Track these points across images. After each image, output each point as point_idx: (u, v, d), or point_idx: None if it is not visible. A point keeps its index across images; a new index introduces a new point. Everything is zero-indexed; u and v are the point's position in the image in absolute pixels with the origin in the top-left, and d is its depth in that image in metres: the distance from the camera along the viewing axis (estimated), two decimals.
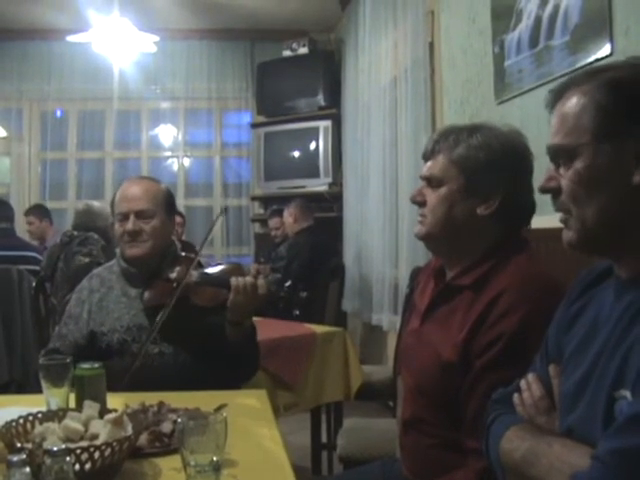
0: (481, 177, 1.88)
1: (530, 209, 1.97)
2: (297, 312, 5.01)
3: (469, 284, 1.87)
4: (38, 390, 2.10)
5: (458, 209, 1.91)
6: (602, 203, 1.31)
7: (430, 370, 1.89)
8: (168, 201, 2.87)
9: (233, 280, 2.52)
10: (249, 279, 2.52)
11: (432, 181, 1.95)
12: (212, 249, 7.73)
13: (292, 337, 3.89)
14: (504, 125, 1.99)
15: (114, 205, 2.84)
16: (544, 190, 1.42)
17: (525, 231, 1.99)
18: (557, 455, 1.30)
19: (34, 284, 5.02)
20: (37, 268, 5.46)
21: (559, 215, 1.40)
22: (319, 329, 4.09)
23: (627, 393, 1.19)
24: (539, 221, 2.03)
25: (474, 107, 4.04)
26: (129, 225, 2.73)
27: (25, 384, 5.25)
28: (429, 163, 1.97)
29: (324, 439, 4.25)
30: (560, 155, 1.37)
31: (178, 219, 6.37)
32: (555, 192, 1.39)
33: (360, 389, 3.99)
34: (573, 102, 1.36)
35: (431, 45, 4.74)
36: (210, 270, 2.75)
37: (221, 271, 2.71)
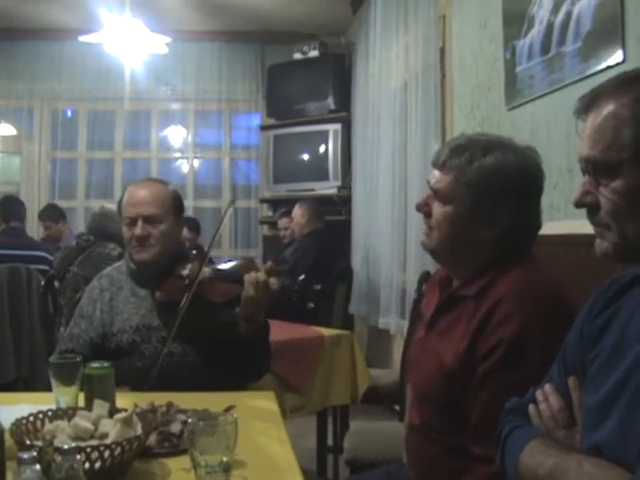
0: (489, 202, 1.87)
1: (536, 228, 1.97)
2: (311, 305, 5.01)
3: (473, 294, 1.87)
4: (45, 388, 2.11)
5: (463, 230, 1.90)
6: None
7: (434, 377, 1.90)
8: (176, 203, 2.86)
9: (246, 275, 2.52)
10: (261, 274, 2.51)
11: (439, 195, 1.93)
12: (220, 251, 7.74)
13: (300, 340, 3.90)
14: (520, 141, 1.98)
15: (122, 208, 2.83)
16: (579, 205, 1.40)
17: (527, 244, 1.98)
18: (589, 475, 1.26)
19: (43, 283, 5.04)
20: (46, 268, 5.47)
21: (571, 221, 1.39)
22: (327, 332, 4.09)
23: None
24: (544, 227, 2.01)
25: (484, 113, 4.04)
26: (137, 230, 2.72)
27: (32, 382, 5.28)
28: (438, 174, 1.94)
29: (330, 442, 4.26)
30: (599, 170, 1.35)
31: (189, 234, 6.41)
32: (591, 207, 1.38)
33: (367, 392, 3.99)
34: (610, 114, 1.33)
35: (442, 50, 4.74)
36: (222, 266, 2.75)
37: (233, 266, 2.71)
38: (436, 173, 1.95)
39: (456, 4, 4.52)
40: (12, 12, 7.26)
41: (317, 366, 3.80)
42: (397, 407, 4.62)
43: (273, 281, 2.51)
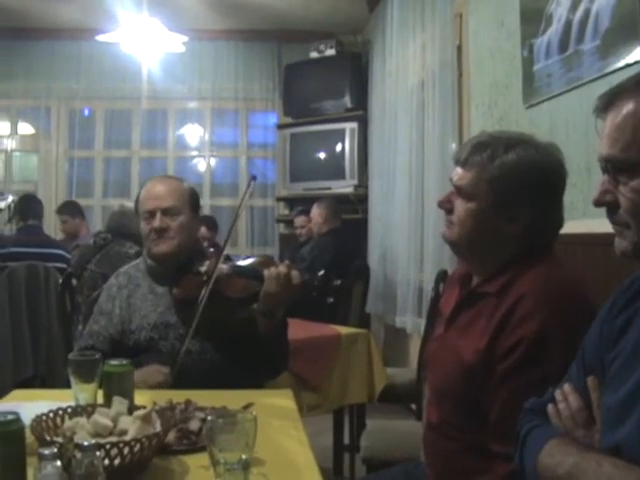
0: (511, 198, 1.87)
1: (558, 225, 1.97)
2: (331, 299, 5.01)
3: (493, 291, 1.87)
4: (62, 386, 2.12)
5: (485, 226, 1.90)
6: None
7: (453, 375, 1.90)
8: (193, 198, 2.89)
9: (266, 269, 2.53)
10: (282, 268, 2.53)
11: (462, 192, 1.94)
12: (237, 249, 7.75)
13: (317, 338, 3.89)
14: (541, 138, 1.98)
15: (139, 204, 2.87)
16: (599, 204, 1.39)
17: (549, 241, 1.98)
18: (608, 475, 1.26)
19: (61, 281, 5.06)
20: (64, 265, 5.50)
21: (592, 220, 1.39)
22: (344, 330, 4.09)
23: None
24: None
25: (502, 111, 4.03)
26: (156, 222, 2.76)
27: (49, 379, 5.30)
28: (461, 171, 1.95)
29: (346, 440, 4.26)
30: (618, 169, 1.34)
31: (207, 232, 6.42)
32: (610, 206, 1.37)
33: (383, 391, 3.99)
34: (629, 112, 1.32)
35: (459, 48, 4.73)
36: (240, 262, 2.76)
37: (252, 263, 2.72)
38: (458, 170, 1.96)
39: (473, 2, 4.51)
40: (30, 12, 7.30)
41: (334, 364, 3.79)
42: (414, 406, 4.62)
43: (294, 275, 2.52)
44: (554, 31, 3.32)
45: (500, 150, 1.89)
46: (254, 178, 2.95)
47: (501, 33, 4.02)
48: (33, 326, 5.50)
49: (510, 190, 1.87)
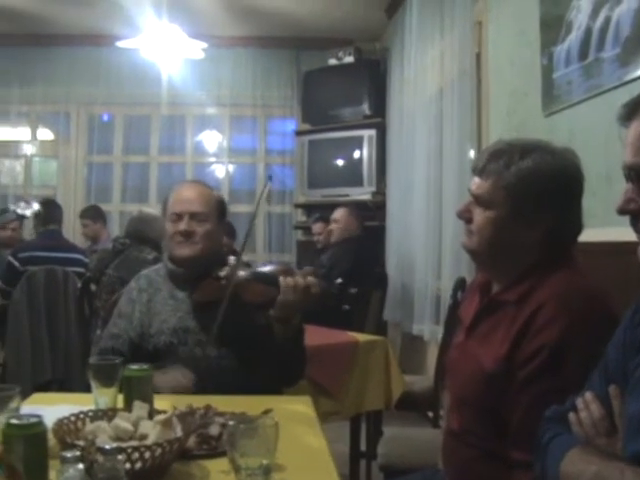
0: (529, 204, 1.87)
1: (577, 230, 1.96)
2: (347, 307, 5.02)
3: (513, 299, 1.87)
4: (79, 390, 2.12)
5: (505, 233, 1.90)
6: None
7: (473, 382, 1.90)
8: (221, 207, 2.92)
9: (282, 278, 2.54)
10: (299, 278, 2.54)
11: (480, 201, 1.93)
12: (254, 255, 7.77)
13: (334, 345, 3.89)
14: (558, 145, 1.97)
15: (167, 206, 2.88)
16: (623, 212, 1.40)
17: (569, 248, 1.98)
18: None
19: (79, 286, 5.09)
20: (82, 270, 5.54)
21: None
22: (361, 337, 4.08)
23: None
24: (582, 234, 2.01)
25: (521, 119, 4.02)
26: (182, 225, 2.77)
27: (66, 383, 5.33)
28: (478, 180, 1.95)
29: (363, 447, 4.25)
30: None
31: (226, 239, 6.45)
32: (634, 214, 1.37)
33: (401, 398, 3.98)
34: None
35: (478, 56, 4.73)
36: (260, 268, 2.78)
37: (271, 269, 2.73)
38: (476, 179, 1.96)
39: (493, 10, 4.51)
40: (51, 18, 7.36)
41: (351, 371, 3.79)
42: (430, 414, 4.61)
43: (313, 284, 2.53)
44: (574, 39, 3.32)
45: (516, 157, 1.89)
46: (270, 178, 2.98)
47: (521, 41, 4.02)
48: (51, 330, 5.54)
49: (527, 196, 1.87)
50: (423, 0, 5.73)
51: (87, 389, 2.11)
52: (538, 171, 1.88)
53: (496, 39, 4.46)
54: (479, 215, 1.93)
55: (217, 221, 2.87)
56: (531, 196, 1.87)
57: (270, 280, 2.62)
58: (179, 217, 2.80)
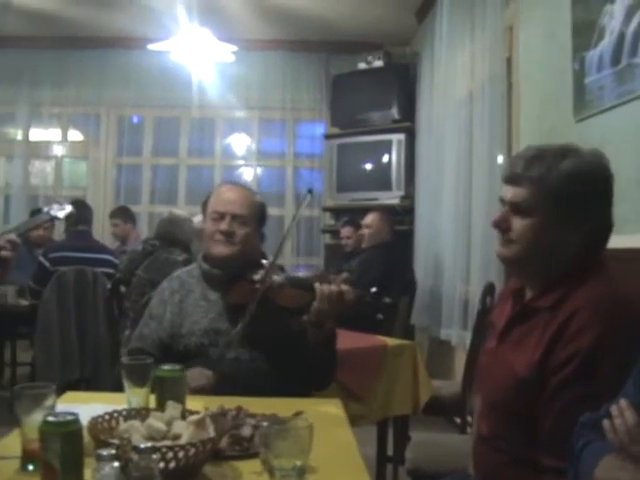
0: (573, 206, 1.87)
1: (610, 232, 1.96)
2: (380, 316, 5.02)
3: (547, 306, 1.87)
4: (107, 390, 2.14)
5: (546, 239, 1.89)
6: None
7: (505, 387, 1.90)
8: (261, 213, 2.94)
9: (317, 285, 2.54)
10: (334, 287, 2.53)
11: (519, 209, 1.92)
12: (282, 259, 7.77)
13: (363, 348, 3.87)
14: (586, 148, 1.97)
15: (208, 204, 2.90)
16: None
17: (602, 251, 1.97)
18: None
19: (109, 286, 5.13)
20: (112, 271, 5.58)
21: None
22: (390, 341, 4.08)
23: None
24: (613, 241, 2.00)
25: (551, 124, 4.00)
26: (224, 225, 2.79)
27: (94, 383, 5.37)
28: (515, 188, 1.93)
29: (389, 452, 4.24)
30: None
31: None
32: None
33: (428, 403, 3.96)
34: None
35: (508, 60, 4.72)
36: (294, 273, 2.79)
37: (305, 275, 2.74)
38: (511, 187, 1.94)
39: (524, 14, 4.50)
40: (83, 22, 7.43)
41: (380, 375, 3.78)
42: (457, 419, 4.60)
43: (348, 291, 2.53)
44: (606, 44, 3.30)
45: (554, 161, 1.89)
46: (310, 191, 2.99)
47: (552, 46, 4.00)
48: (80, 329, 5.59)
49: (570, 198, 1.87)
50: (453, 4, 5.72)
51: (115, 389, 2.12)
52: (579, 173, 1.88)
53: (527, 44, 4.45)
54: (518, 223, 1.92)
55: (256, 226, 2.89)
56: (574, 198, 1.87)
57: (305, 285, 2.62)
58: (221, 217, 2.82)
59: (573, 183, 1.87)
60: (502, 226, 1.96)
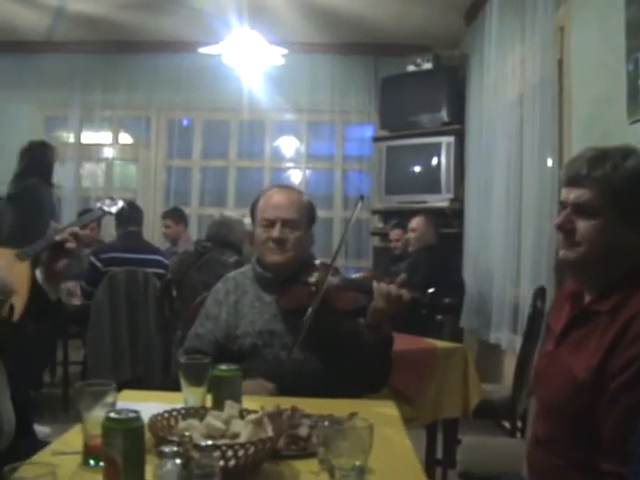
0: (637, 207, 1.86)
1: None
2: (439, 317, 5.00)
3: (606, 310, 1.85)
4: (157, 389, 2.16)
5: (613, 239, 1.87)
6: None
7: (564, 391, 1.88)
8: (311, 214, 2.92)
9: (376, 285, 2.53)
10: (393, 286, 2.53)
11: (584, 210, 1.89)
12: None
13: (413, 351, 3.87)
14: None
15: (257, 210, 2.89)
16: None
17: None
18: None
19: (160, 287, 5.18)
20: (162, 271, 5.63)
21: None
22: (440, 344, 4.07)
23: None
24: None
25: (604, 127, 3.96)
26: (275, 232, 2.77)
27: (145, 383, 5.42)
28: (579, 189, 1.90)
29: (439, 455, 4.23)
30: None
31: None
32: None
33: (478, 407, 3.95)
34: None
35: (560, 62, 4.68)
36: (349, 276, 2.78)
37: (361, 277, 2.73)
38: (574, 189, 1.92)
39: (576, 15, 4.46)
40: (134, 26, 7.53)
41: (430, 378, 3.78)
42: (507, 423, 4.56)
43: (404, 292, 2.52)
44: None
45: (619, 160, 1.87)
46: (362, 198, 2.99)
47: (605, 47, 3.96)
48: (131, 330, 5.65)
49: (635, 198, 1.86)
50: (503, 6, 5.69)
51: (166, 388, 2.14)
52: None
53: (579, 45, 4.41)
54: (583, 225, 1.90)
55: (307, 227, 2.87)
56: (639, 198, 1.86)
57: (361, 287, 2.62)
58: (271, 223, 2.80)
59: (637, 180, 1.86)
60: (567, 228, 1.93)
